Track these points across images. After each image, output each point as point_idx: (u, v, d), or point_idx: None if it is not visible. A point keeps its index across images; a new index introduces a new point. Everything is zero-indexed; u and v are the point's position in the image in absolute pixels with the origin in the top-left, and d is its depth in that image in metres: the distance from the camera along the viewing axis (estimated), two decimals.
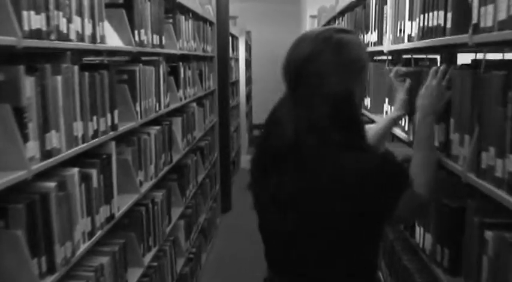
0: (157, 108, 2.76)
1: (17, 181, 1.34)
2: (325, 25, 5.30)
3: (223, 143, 5.44)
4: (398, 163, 1.42)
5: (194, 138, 3.86)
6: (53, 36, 1.54)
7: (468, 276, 1.46)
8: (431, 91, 1.58)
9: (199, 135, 4.10)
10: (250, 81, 9.62)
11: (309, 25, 7.43)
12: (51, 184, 1.53)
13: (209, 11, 4.83)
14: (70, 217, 1.64)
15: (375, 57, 3.02)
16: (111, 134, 2.02)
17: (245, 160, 7.75)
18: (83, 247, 1.73)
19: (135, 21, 2.38)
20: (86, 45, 1.79)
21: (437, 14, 1.63)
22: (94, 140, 1.84)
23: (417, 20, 1.86)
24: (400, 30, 2.17)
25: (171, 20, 3.26)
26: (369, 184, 1.26)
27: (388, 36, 2.43)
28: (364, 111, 2.82)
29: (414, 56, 2.29)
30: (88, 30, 1.80)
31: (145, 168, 2.55)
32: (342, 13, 4.21)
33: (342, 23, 4.16)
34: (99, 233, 1.88)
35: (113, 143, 2.03)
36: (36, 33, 1.45)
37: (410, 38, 1.99)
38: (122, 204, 2.17)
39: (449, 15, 1.54)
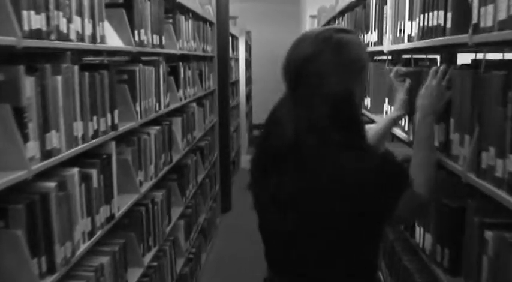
0: (157, 108, 2.76)
1: (17, 181, 1.34)
2: (325, 25, 5.29)
3: (223, 143, 5.44)
4: (399, 163, 1.41)
5: (194, 138, 3.86)
6: (53, 36, 1.54)
7: (468, 276, 1.46)
8: (431, 91, 1.58)
9: (199, 135, 4.10)
10: (250, 81, 9.62)
11: (309, 25, 7.43)
12: (51, 184, 1.53)
13: (209, 11, 4.83)
14: (70, 217, 1.64)
15: (374, 57, 3.02)
16: (111, 134, 2.02)
17: (245, 160, 7.75)
18: (83, 247, 1.73)
19: (135, 21, 2.37)
20: (86, 45, 1.79)
21: (437, 14, 1.63)
22: (94, 140, 1.84)
23: (417, 20, 1.86)
24: (400, 30, 2.17)
25: (171, 20, 3.26)
26: (368, 184, 1.26)
27: (388, 36, 2.43)
28: (364, 111, 2.82)
29: (414, 56, 2.29)
30: (88, 30, 1.80)
31: (145, 168, 2.55)
32: (341, 13, 4.20)
33: (342, 23, 4.16)
34: (99, 233, 1.88)
35: (113, 143, 2.03)
36: (36, 33, 1.45)
37: (410, 38, 1.99)
38: (121, 204, 2.17)
39: (449, 15, 1.54)
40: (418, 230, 1.88)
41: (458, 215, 1.53)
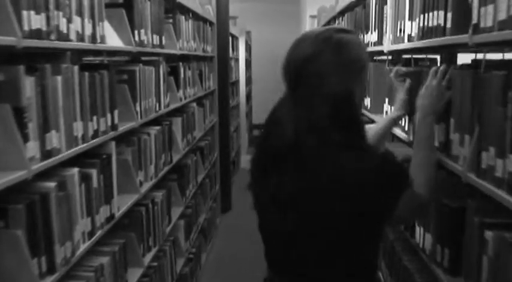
0: (157, 108, 2.76)
1: (17, 181, 1.34)
2: (325, 25, 5.29)
3: (223, 143, 5.44)
4: (399, 163, 1.41)
5: (194, 138, 3.86)
6: (53, 36, 1.54)
7: (468, 276, 1.46)
8: (431, 91, 1.58)
9: (199, 135, 4.10)
10: (250, 81, 9.62)
11: (309, 25, 7.43)
12: (51, 184, 1.53)
13: (209, 11, 4.83)
14: (70, 217, 1.64)
15: (374, 57, 3.02)
16: (111, 134, 2.02)
17: (245, 160, 7.75)
18: (82, 247, 1.73)
19: (135, 21, 2.37)
20: (86, 45, 1.79)
21: (438, 14, 1.63)
22: (94, 140, 1.84)
23: (417, 20, 1.86)
24: (400, 30, 2.17)
25: (171, 20, 3.26)
26: (369, 184, 1.26)
27: (388, 36, 2.43)
28: (364, 111, 2.81)
29: (414, 56, 2.29)
30: (88, 30, 1.80)
31: (145, 168, 2.55)
32: (341, 13, 4.20)
33: (342, 23, 4.16)
34: (99, 233, 1.88)
35: (113, 143, 2.03)
36: (36, 33, 1.44)
37: (410, 38, 1.99)
38: (121, 204, 2.17)
39: (449, 15, 1.54)
40: (418, 230, 1.88)
41: (458, 215, 1.53)
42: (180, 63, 3.42)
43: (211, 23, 4.93)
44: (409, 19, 2.01)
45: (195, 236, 3.85)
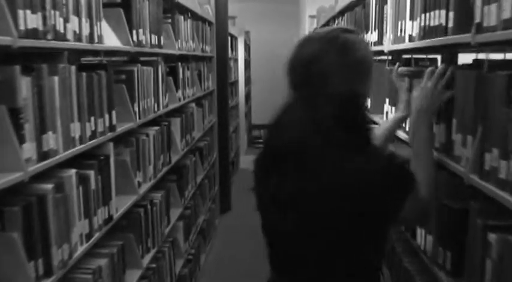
0: (155, 109, 2.74)
1: (13, 183, 1.32)
2: (324, 25, 5.28)
3: (222, 143, 5.43)
4: (404, 165, 1.41)
5: (193, 138, 3.84)
6: (49, 36, 1.52)
7: (471, 279, 1.44)
8: (426, 93, 1.57)
9: (198, 135, 4.08)
10: (249, 81, 9.61)
11: (308, 25, 7.42)
12: (48, 186, 1.51)
13: (208, 11, 4.82)
14: (67, 219, 1.62)
15: (374, 57, 3.00)
16: (109, 135, 2.00)
17: (244, 160, 7.74)
18: (80, 249, 1.72)
19: (133, 21, 2.36)
20: (84, 45, 1.77)
21: (439, 14, 1.62)
22: (92, 141, 1.82)
23: (418, 19, 1.84)
24: (401, 30, 2.15)
25: (169, 20, 3.24)
26: (374, 185, 1.25)
27: (388, 36, 2.42)
28: None
29: (414, 56, 2.27)
30: (85, 30, 1.78)
31: (144, 169, 2.54)
32: (341, 13, 4.19)
33: (342, 23, 4.15)
34: (97, 235, 1.86)
35: (111, 144, 2.02)
36: (33, 33, 1.43)
37: (411, 38, 1.98)
38: (120, 205, 2.15)
39: (451, 14, 1.53)
40: (419, 232, 1.86)
41: (461, 217, 1.51)
42: (179, 64, 3.41)
43: (210, 23, 4.91)
44: (410, 19, 2.00)
45: (194, 237, 3.83)
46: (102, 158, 1.93)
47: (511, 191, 1.18)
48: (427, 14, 1.72)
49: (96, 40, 1.87)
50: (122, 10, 2.26)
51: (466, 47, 1.68)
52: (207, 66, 4.68)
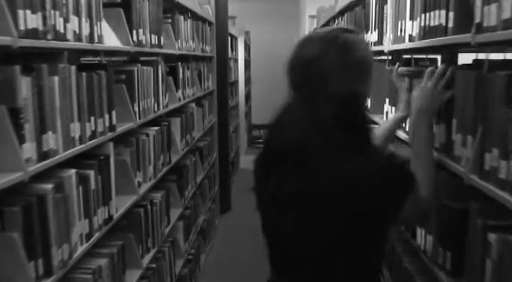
0: (155, 109, 2.74)
1: (13, 183, 1.32)
2: (324, 25, 5.28)
3: (222, 143, 5.42)
4: (404, 164, 1.41)
5: (193, 138, 3.84)
6: (49, 36, 1.52)
7: (471, 279, 1.44)
8: (426, 93, 1.57)
9: (198, 135, 4.08)
10: (249, 81, 9.61)
11: (308, 25, 7.42)
12: (48, 186, 1.51)
13: (208, 11, 4.82)
14: (67, 219, 1.62)
15: (374, 57, 3.00)
16: (109, 135, 2.00)
17: (244, 160, 7.73)
18: (80, 249, 1.72)
19: (133, 21, 2.36)
20: (84, 45, 1.77)
21: (439, 13, 1.62)
22: (92, 141, 1.82)
23: (418, 19, 1.84)
24: (401, 30, 2.15)
25: (169, 20, 3.24)
26: (374, 185, 1.25)
27: (388, 36, 2.42)
28: None
29: (414, 56, 2.27)
30: (85, 30, 1.78)
31: (144, 169, 2.54)
32: (341, 13, 4.19)
33: (342, 23, 4.15)
34: (97, 235, 1.86)
35: (111, 144, 2.01)
36: (33, 33, 1.43)
37: (411, 38, 1.98)
38: (120, 205, 2.15)
39: (451, 14, 1.53)
40: (420, 232, 1.86)
41: (461, 217, 1.51)
42: (179, 63, 3.40)
43: (210, 23, 4.91)
44: (410, 19, 2.00)
45: (194, 237, 3.83)
46: (102, 158, 1.93)
47: (511, 191, 1.18)
48: (427, 14, 1.73)
49: (96, 40, 1.87)
50: (121, 10, 2.26)
51: (466, 47, 1.68)
52: (207, 66, 4.68)
